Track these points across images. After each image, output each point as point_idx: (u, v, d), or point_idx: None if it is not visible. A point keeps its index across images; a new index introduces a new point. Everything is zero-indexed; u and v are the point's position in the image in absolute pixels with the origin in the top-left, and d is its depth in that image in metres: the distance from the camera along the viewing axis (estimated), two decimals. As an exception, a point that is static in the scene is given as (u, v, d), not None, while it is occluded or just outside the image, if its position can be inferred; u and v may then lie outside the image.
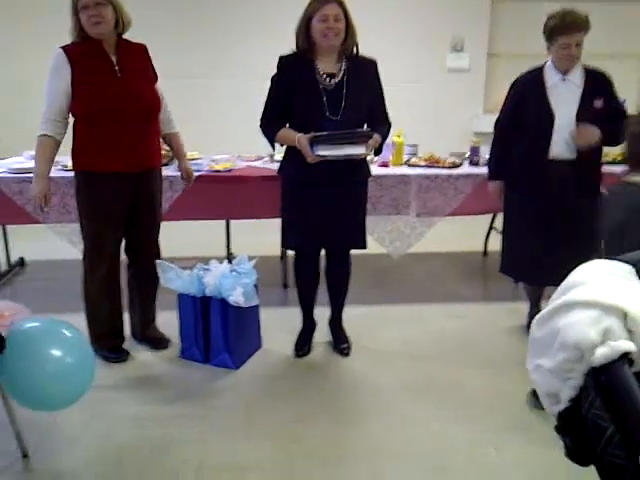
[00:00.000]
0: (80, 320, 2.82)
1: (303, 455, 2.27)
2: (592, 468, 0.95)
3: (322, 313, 3.15)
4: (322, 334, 3.16)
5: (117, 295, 2.94)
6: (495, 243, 4.39)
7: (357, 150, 2.62)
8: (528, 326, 3.32)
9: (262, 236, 4.46)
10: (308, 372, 2.91)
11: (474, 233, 4.73)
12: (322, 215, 2.77)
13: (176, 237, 3.60)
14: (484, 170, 3.66)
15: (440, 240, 4.40)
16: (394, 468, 2.20)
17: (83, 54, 2.63)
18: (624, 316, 0.89)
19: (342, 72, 2.71)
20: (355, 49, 2.75)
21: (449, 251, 4.73)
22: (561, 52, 2.85)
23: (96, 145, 2.67)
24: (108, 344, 2.96)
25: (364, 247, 2.92)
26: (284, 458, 2.25)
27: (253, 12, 5.65)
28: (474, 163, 3.95)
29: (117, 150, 2.68)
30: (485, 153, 3.90)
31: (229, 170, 3.72)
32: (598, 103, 2.86)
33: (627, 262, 0.98)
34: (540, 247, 2.99)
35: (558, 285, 2.56)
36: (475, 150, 3.97)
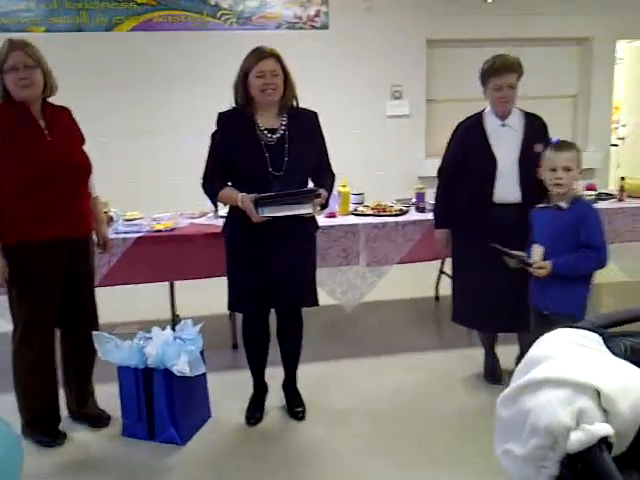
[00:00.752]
0: (9, 400, 2.59)
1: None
2: None
3: (274, 375, 2.99)
4: (275, 397, 3.00)
5: (52, 372, 2.71)
6: (446, 287, 4.37)
7: (304, 209, 2.53)
8: (485, 374, 3.25)
9: (208, 294, 4.30)
10: (261, 442, 2.73)
11: (424, 279, 4.68)
12: (270, 276, 2.65)
13: (116, 301, 3.42)
14: (430, 216, 3.66)
15: (391, 287, 4.32)
16: None
17: (9, 119, 2.49)
18: (597, 395, 0.80)
19: (283, 126, 2.64)
20: (295, 102, 2.70)
21: (401, 298, 4.66)
22: (494, 94, 2.91)
23: (28, 213, 2.50)
24: (42, 426, 2.71)
25: (316, 304, 2.81)
26: None
27: (191, 67, 5.61)
28: (420, 209, 3.93)
29: (51, 216, 2.52)
30: (430, 199, 3.91)
31: (171, 229, 3.57)
32: (538, 147, 2.88)
33: (594, 330, 0.89)
34: (489, 295, 2.96)
35: (509, 331, 2.46)
36: (420, 196, 3.96)
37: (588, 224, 2.48)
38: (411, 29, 5.84)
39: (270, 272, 2.65)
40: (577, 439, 0.78)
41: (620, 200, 4.08)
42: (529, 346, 2.84)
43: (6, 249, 2.54)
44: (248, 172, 2.59)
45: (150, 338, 2.75)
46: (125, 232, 3.50)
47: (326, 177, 2.73)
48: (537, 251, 2.55)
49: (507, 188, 2.91)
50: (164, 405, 2.68)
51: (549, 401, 0.82)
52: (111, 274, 3.39)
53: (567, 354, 0.86)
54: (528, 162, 2.84)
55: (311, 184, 2.72)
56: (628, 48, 6.90)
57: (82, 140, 2.73)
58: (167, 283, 3.84)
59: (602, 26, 6.12)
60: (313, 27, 5.75)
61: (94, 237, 2.86)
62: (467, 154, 2.99)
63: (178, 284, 3.90)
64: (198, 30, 5.54)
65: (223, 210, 3.96)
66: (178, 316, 3.77)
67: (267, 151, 2.58)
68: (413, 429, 2.77)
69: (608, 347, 0.86)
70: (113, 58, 5.41)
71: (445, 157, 3.15)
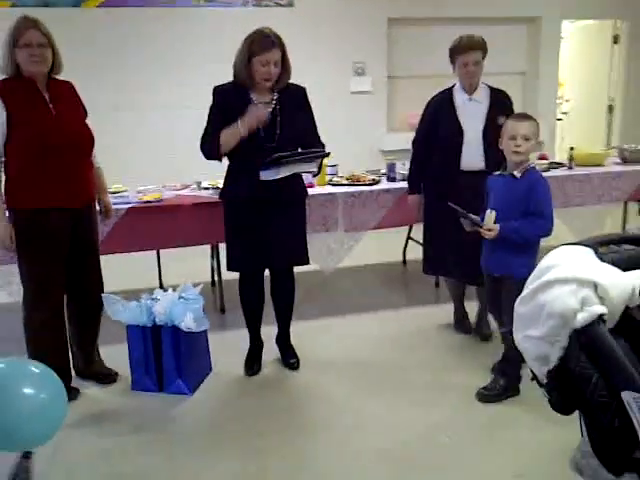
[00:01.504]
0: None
1: (273, 468, 2.36)
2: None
3: (266, 332, 3.25)
4: (268, 352, 3.26)
5: (62, 332, 2.90)
6: (412, 252, 4.73)
7: (311, 168, 2.83)
8: (455, 324, 3.60)
9: (188, 263, 4.51)
10: (262, 389, 3.00)
11: (392, 246, 5.01)
12: (267, 238, 2.90)
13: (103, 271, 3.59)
14: (401, 185, 3.97)
15: (362, 254, 4.62)
16: (360, 464, 2.35)
17: (16, 92, 2.62)
18: (595, 287, 1.11)
19: (274, 101, 2.87)
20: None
21: (372, 263, 4.98)
22: (461, 70, 3.21)
23: (37, 183, 2.65)
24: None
25: (308, 262, 3.07)
26: (255, 473, 2.33)
27: (158, 42, 5.69)
28: (391, 179, 4.23)
29: (58, 185, 2.68)
30: (400, 169, 4.22)
31: (160, 200, 3.75)
32: (501, 119, 3.18)
33: (586, 245, 1.20)
34: (455, 247, 3.24)
35: (473, 284, 2.85)
36: (391, 167, 4.25)
37: (537, 194, 2.61)
38: (373, 8, 6.08)
39: (267, 234, 2.90)
40: (582, 317, 1.10)
41: (570, 168, 4.49)
42: (484, 302, 3.12)
43: (16, 215, 2.70)
44: (243, 143, 2.80)
45: (154, 299, 2.97)
46: (115, 204, 3.65)
47: (317, 147, 2.97)
48: (489, 216, 2.66)
49: (472, 157, 3.21)
50: (171, 359, 2.91)
51: (560, 293, 1.13)
52: (104, 244, 3.55)
53: (570, 261, 1.17)
54: (492, 133, 3.14)
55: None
56: (571, 28, 7.36)
57: (85, 113, 2.88)
58: (146, 253, 4.01)
59: (549, 7, 6.53)
60: (278, 4, 5.92)
61: (97, 206, 3.03)
62: (437, 126, 3.29)
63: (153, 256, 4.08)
64: (166, 6, 5.62)
65: (205, 182, 4.19)
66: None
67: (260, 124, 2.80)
68: (394, 373, 3.10)
69: (598, 258, 1.17)
70: (81, 34, 5.44)
71: (418, 129, 3.43)
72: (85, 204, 2.86)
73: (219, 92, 2.86)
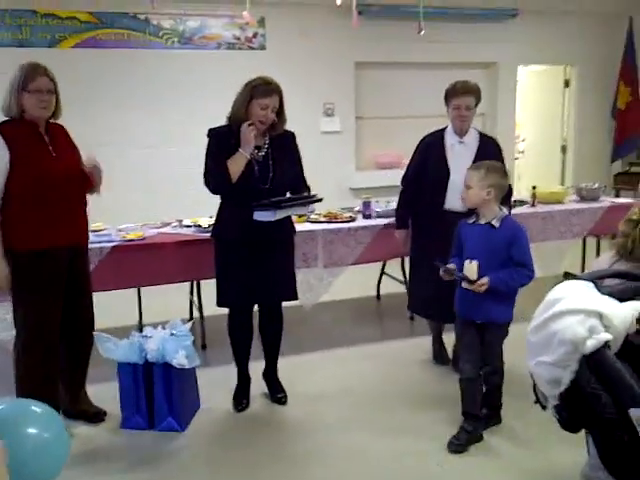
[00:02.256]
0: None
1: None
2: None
3: (252, 367, 3.30)
4: (256, 387, 3.31)
5: (55, 374, 2.89)
6: (385, 287, 4.88)
7: (301, 210, 3.06)
8: (434, 356, 3.74)
9: (167, 300, 4.53)
10: (252, 424, 3.04)
11: (364, 280, 5.14)
12: (257, 272, 2.99)
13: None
14: (377, 222, 4.15)
15: (336, 290, 4.73)
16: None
17: (18, 134, 2.69)
18: (600, 317, 1.26)
19: (266, 145, 3.01)
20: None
21: (347, 298, 5.09)
22: (453, 113, 3.38)
23: (36, 222, 2.69)
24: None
25: (296, 298, 3.17)
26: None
27: (133, 83, 5.78)
28: (366, 216, 4.38)
29: (57, 224, 2.74)
30: (375, 207, 4.39)
31: (143, 238, 3.80)
32: None
33: (587, 280, 1.35)
34: (438, 288, 3.23)
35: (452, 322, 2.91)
36: (367, 205, 4.41)
37: (519, 243, 2.66)
38: (340, 52, 6.35)
39: (258, 271, 2.99)
40: (591, 344, 1.24)
41: (533, 206, 4.75)
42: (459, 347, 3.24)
43: (13, 256, 2.72)
44: (240, 185, 2.91)
45: (145, 336, 3.00)
46: (99, 242, 3.69)
47: (303, 190, 3.11)
48: (470, 266, 2.67)
49: (456, 198, 3.35)
50: (163, 396, 2.94)
51: (570, 323, 1.27)
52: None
53: (576, 294, 1.32)
54: None
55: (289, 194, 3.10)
56: (524, 72, 7.80)
57: (79, 155, 2.95)
58: (124, 291, 4.02)
59: (505, 53, 6.94)
60: (251, 48, 6.12)
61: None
62: (426, 165, 3.44)
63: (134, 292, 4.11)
64: (141, 48, 5.74)
65: (187, 220, 4.26)
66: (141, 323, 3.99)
67: (256, 166, 2.93)
68: (380, 403, 3.20)
69: (598, 290, 1.33)
70: (57, 73, 5.48)
71: (408, 166, 3.58)
72: (81, 242, 2.93)
73: (214, 134, 2.98)
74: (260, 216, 2.84)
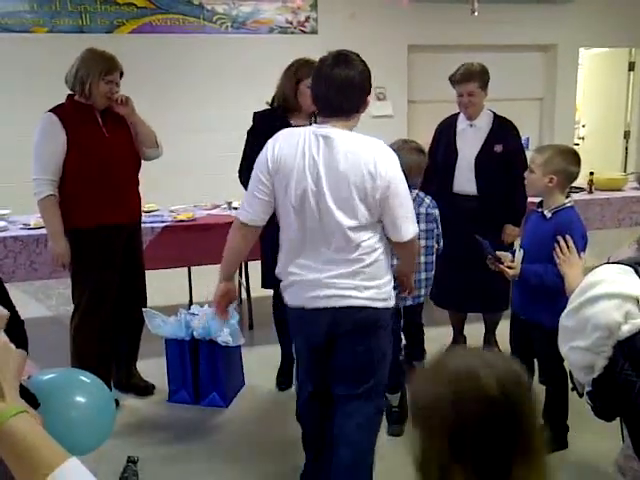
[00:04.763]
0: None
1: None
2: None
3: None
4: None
5: (109, 347, 3.01)
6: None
7: None
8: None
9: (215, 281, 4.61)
10: (293, 403, 3.06)
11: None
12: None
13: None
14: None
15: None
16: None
17: (74, 118, 2.79)
18: (637, 302, 1.23)
19: (313, 125, 3.00)
20: None
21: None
22: (458, 99, 3.30)
23: (95, 201, 2.80)
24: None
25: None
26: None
27: (188, 68, 5.89)
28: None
29: (114, 203, 2.85)
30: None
31: (193, 219, 3.89)
32: (498, 148, 3.26)
33: (627, 264, 1.31)
34: (462, 279, 3.26)
35: (479, 312, 2.85)
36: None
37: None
38: (393, 35, 6.27)
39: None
40: (626, 329, 1.20)
41: (590, 192, 4.59)
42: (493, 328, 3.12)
43: (73, 234, 2.84)
44: None
45: (192, 314, 3.09)
46: (151, 222, 3.80)
47: None
48: (517, 255, 2.53)
49: (464, 180, 3.28)
50: (208, 372, 3.02)
51: (605, 308, 1.24)
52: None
53: (614, 278, 1.28)
54: (486, 159, 3.24)
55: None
56: (587, 55, 7.51)
57: (131, 135, 3.03)
58: (170, 271, 4.13)
59: (565, 35, 6.69)
60: (303, 32, 6.12)
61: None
62: (438, 148, 3.40)
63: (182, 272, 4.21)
64: (195, 33, 5.83)
65: (236, 202, 4.33)
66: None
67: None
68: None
69: (638, 276, 1.29)
70: (115, 59, 5.64)
71: (428, 149, 3.53)
72: (135, 220, 3.04)
73: (259, 117, 3.00)
74: None
